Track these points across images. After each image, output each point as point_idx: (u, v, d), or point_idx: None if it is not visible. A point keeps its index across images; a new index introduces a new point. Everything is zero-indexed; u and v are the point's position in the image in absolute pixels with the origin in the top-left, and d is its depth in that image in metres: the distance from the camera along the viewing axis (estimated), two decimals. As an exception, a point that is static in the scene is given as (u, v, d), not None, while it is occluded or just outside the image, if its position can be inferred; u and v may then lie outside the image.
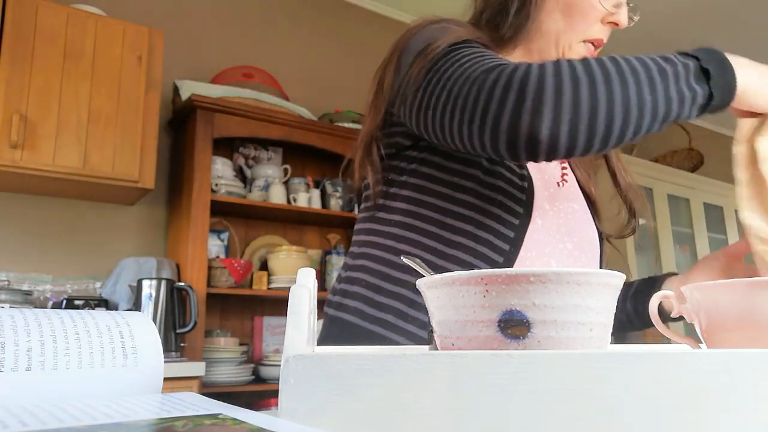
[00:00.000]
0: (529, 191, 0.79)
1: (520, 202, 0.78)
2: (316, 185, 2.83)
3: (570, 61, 0.63)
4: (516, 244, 0.76)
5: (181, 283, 2.13)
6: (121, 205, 2.51)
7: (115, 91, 2.22)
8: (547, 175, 0.84)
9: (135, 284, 2.12)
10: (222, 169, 2.55)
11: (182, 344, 2.14)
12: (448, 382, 0.29)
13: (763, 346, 0.40)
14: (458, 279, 0.35)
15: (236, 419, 0.27)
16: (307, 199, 2.70)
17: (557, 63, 0.63)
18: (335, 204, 2.77)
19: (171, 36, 2.63)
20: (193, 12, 2.82)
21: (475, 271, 0.35)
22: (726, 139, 5.23)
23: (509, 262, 0.76)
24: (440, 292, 0.37)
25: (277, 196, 2.62)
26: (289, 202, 2.67)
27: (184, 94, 2.44)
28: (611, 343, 0.51)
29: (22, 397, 0.31)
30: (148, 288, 2.07)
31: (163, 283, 2.09)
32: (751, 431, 0.28)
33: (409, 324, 0.76)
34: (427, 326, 0.74)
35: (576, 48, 0.83)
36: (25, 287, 2.17)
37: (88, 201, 2.44)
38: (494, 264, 0.76)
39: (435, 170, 0.80)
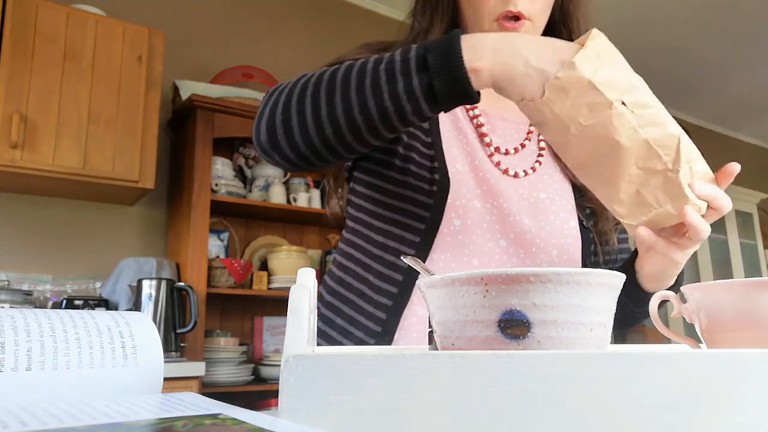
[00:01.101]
0: (439, 195, 0.78)
1: (428, 207, 0.78)
2: (316, 185, 2.83)
3: (316, 74, 0.68)
4: (424, 248, 0.78)
5: (181, 283, 2.13)
6: (121, 206, 2.51)
7: (115, 91, 2.22)
8: (482, 172, 0.82)
9: (135, 284, 2.12)
10: (222, 169, 2.55)
11: (182, 344, 2.14)
12: (448, 382, 0.29)
13: (763, 346, 0.40)
14: (458, 279, 0.35)
15: (236, 419, 0.27)
16: (307, 199, 2.70)
17: (303, 75, 0.70)
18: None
19: (171, 36, 2.62)
20: (193, 12, 2.82)
21: (475, 271, 0.35)
22: (734, 141, 5.23)
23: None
24: (440, 292, 0.37)
25: (277, 196, 2.62)
26: (289, 202, 2.67)
27: (184, 94, 2.45)
28: (611, 344, 0.51)
29: (22, 397, 0.31)
30: (148, 288, 2.07)
31: (163, 283, 2.09)
32: (751, 431, 0.28)
33: (334, 330, 0.82)
34: (350, 336, 0.80)
35: (492, 29, 0.79)
36: (25, 287, 2.17)
37: (88, 201, 2.44)
38: (400, 270, 0.78)
39: (364, 188, 0.85)
